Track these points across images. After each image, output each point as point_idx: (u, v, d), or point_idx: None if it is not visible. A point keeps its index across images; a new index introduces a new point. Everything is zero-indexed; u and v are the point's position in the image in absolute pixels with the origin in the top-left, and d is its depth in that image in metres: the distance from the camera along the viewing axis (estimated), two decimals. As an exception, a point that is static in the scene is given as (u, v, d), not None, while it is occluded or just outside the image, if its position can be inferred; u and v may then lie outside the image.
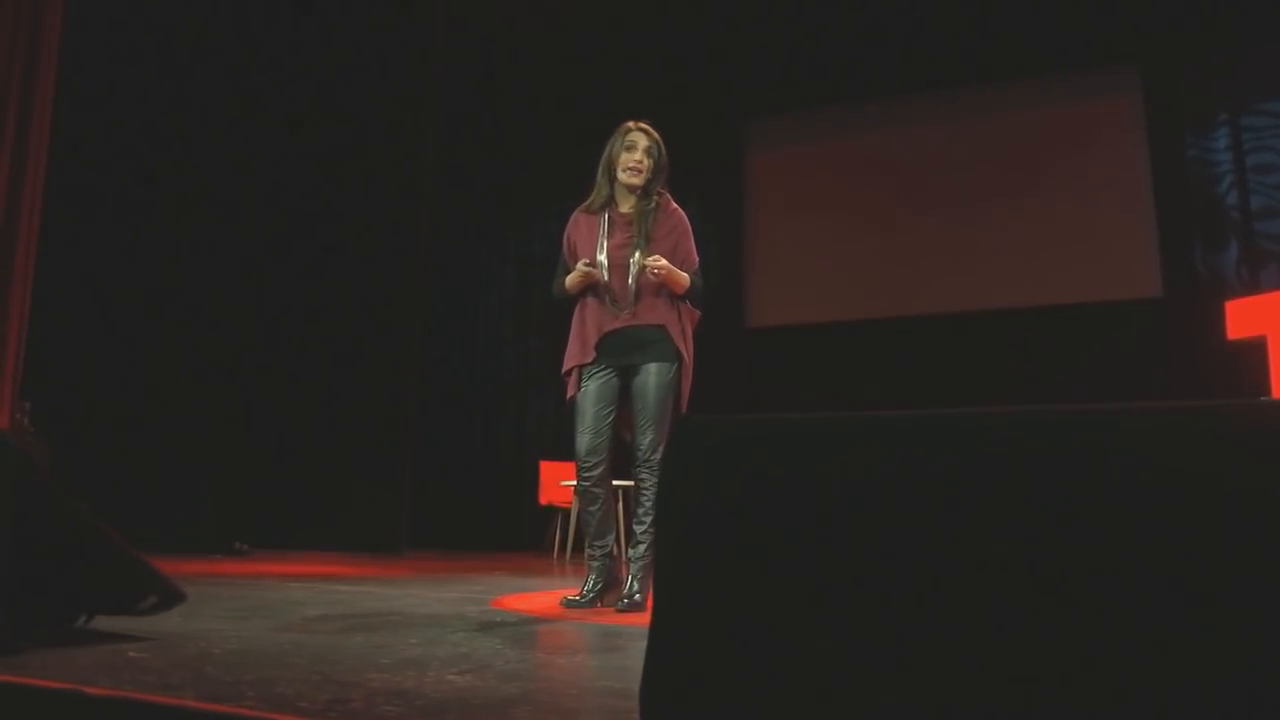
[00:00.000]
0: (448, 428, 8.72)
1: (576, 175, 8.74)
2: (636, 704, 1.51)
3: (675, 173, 9.81)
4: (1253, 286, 6.64)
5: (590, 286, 3.17)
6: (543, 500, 7.25)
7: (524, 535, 7.99)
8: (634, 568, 3.07)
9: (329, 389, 7.42)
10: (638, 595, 3.02)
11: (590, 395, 3.09)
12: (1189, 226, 7.04)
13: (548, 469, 7.34)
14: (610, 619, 2.83)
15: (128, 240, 7.22)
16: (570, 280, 3.18)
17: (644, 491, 3.07)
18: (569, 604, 3.07)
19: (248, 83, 7.70)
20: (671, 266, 3.06)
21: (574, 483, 6.53)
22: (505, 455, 8.69)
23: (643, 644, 2.29)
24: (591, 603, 3.08)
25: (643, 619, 2.82)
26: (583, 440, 3.09)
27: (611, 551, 3.16)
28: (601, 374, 3.11)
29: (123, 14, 6.94)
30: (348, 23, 7.74)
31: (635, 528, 3.09)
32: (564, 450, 7.85)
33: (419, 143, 7.67)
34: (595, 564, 3.13)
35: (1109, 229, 7.31)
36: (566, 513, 6.90)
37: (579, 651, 2.10)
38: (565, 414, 3.24)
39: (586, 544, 3.17)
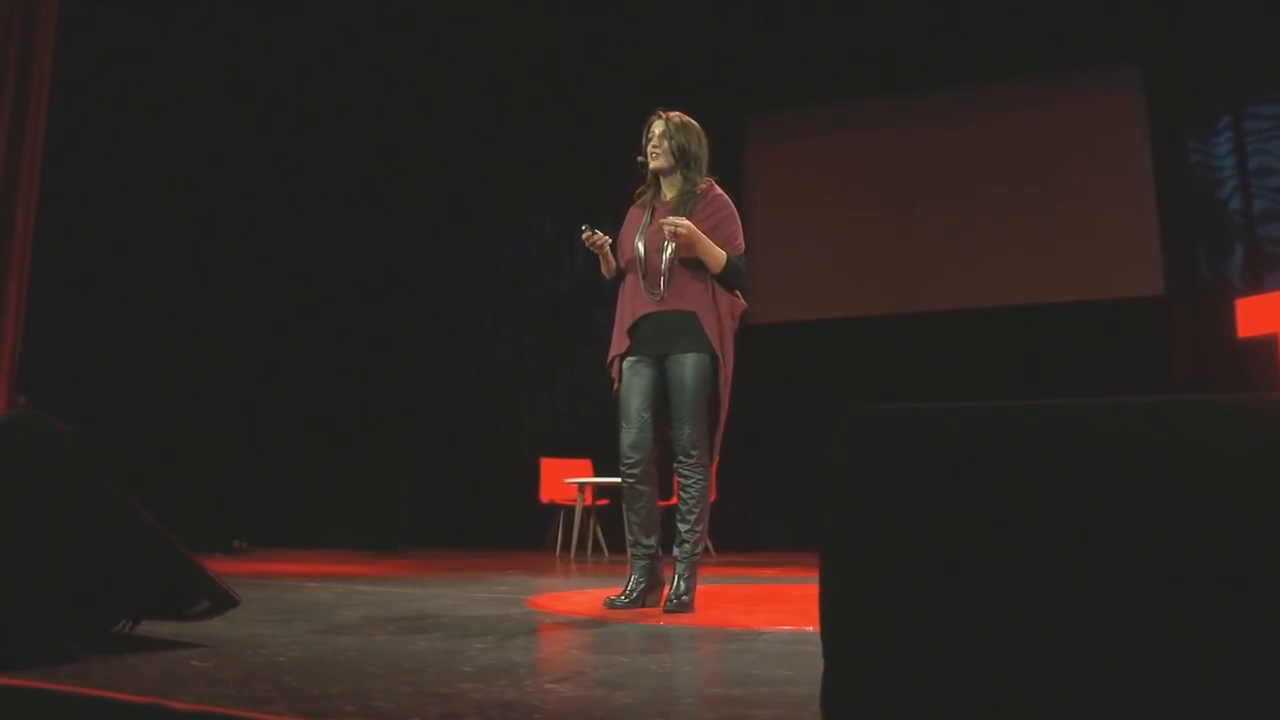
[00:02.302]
0: (444, 426, 8.57)
1: (574, 174, 8.74)
2: (761, 713, 1.42)
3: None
4: (1255, 286, 6.64)
5: (628, 273, 3.13)
6: (544, 498, 7.13)
7: (521, 533, 7.87)
8: (679, 567, 2.97)
9: (326, 387, 7.31)
10: (685, 596, 2.93)
11: (631, 388, 3.02)
12: (1190, 225, 7.05)
13: (549, 466, 7.22)
14: (662, 620, 2.73)
15: (125, 236, 7.09)
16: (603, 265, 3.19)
17: (687, 488, 2.97)
18: (612, 604, 2.97)
19: (247, 80, 7.58)
20: (696, 232, 2.93)
21: (577, 481, 6.50)
22: (501, 454, 8.57)
23: (720, 646, 2.22)
24: (635, 603, 2.98)
25: (693, 619, 2.74)
26: (626, 436, 3.00)
27: (657, 551, 3.06)
28: (640, 365, 3.03)
29: (120, 7, 6.80)
30: (348, 21, 7.64)
31: (679, 525, 2.99)
32: (565, 448, 7.79)
33: (416, 143, 7.59)
34: (641, 563, 3.03)
35: (1110, 227, 7.30)
36: (569, 510, 6.80)
37: (661, 655, 2.00)
38: (613, 405, 3.14)
39: (629, 542, 3.05)
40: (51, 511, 1.73)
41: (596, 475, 7.01)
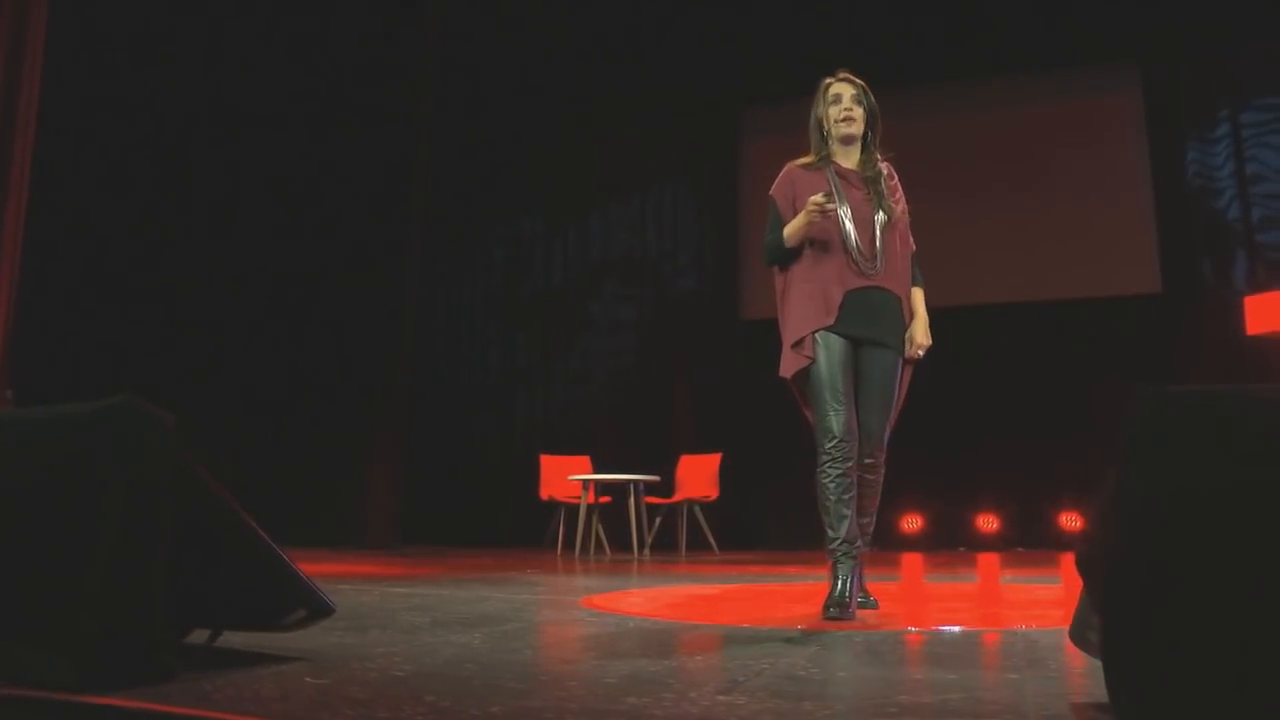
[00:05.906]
0: (437, 426, 8.36)
1: (570, 174, 8.57)
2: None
3: (670, 162, 9.48)
4: (1253, 286, 6.66)
5: (820, 243, 2.80)
6: (543, 495, 6.95)
7: (518, 531, 7.71)
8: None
9: (323, 387, 7.17)
10: (865, 596, 2.82)
11: (834, 367, 2.72)
12: (1188, 223, 7.10)
13: (549, 463, 7.05)
14: (728, 621, 2.60)
15: (119, 233, 6.88)
16: (794, 225, 2.77)
17: (871, 484, 2.78)
18: (840, 615, 2.58)
19: (245, 78, 7.40)
20: (926, 328, 2.93)
21: (582, 479, 6.30)
22: (493, 452, 8.40)
23: (837, 648, 2.07)
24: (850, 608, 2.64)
25: (764, 619, 2.60)
26: (838, 418, 2.68)
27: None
28: (836, 343, 2.74)
29: (115, 9, 6.58)
30: (346, 21, 7.46)
31: (861, 520, 2.75)
32: (562, 445, 7.60)
33: (411, 143, 7.43)
34: (852, 562, 2.68)
35: (1110, 225, 7.32)
36: (571, 508, 6.64)
37: (792, 659, 1.87)
38: (786, 387, 2.85)
39: (841, 538, 2.67)
40: (155, 511, 1.56)
41: (596, 472, 6.86)
